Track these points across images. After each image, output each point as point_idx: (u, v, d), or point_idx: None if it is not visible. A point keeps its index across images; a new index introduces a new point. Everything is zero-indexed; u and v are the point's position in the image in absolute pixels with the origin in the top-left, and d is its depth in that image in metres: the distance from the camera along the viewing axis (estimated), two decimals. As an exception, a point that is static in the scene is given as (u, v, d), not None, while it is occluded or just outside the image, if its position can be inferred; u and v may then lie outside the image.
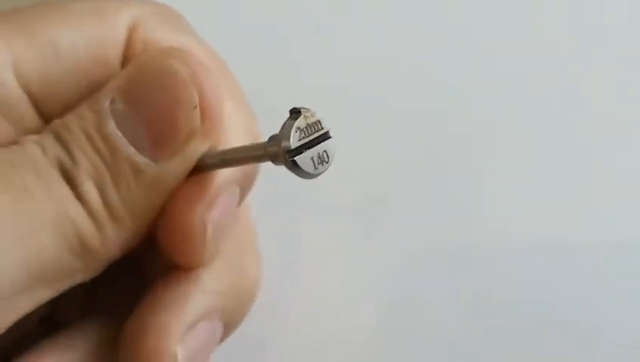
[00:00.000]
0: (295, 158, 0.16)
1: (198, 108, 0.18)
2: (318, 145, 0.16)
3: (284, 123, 0.16)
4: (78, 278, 0.18)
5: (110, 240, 0.18)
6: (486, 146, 0.29)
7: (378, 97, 0.29)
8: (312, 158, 0.16)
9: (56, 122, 0.18)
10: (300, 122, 0.16)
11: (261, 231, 0.23)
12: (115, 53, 0.19)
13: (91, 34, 0.19)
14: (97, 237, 0.17)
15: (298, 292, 0.28)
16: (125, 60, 0.19)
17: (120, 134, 0.17)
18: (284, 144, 0.16)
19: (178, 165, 0.18)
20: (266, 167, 0.18)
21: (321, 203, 0.28)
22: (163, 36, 0.20)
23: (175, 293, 0.19)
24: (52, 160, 0.17)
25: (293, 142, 0.16)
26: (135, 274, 0.21)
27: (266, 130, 0.18)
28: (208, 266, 0.20)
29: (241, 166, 0.19)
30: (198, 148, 0.18)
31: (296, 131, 0.16)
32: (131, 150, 0.17)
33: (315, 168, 0.16)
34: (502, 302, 0.28)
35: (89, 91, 0.19)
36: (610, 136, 0.29)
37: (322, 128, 0.16)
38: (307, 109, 0.16)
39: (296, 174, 0.16)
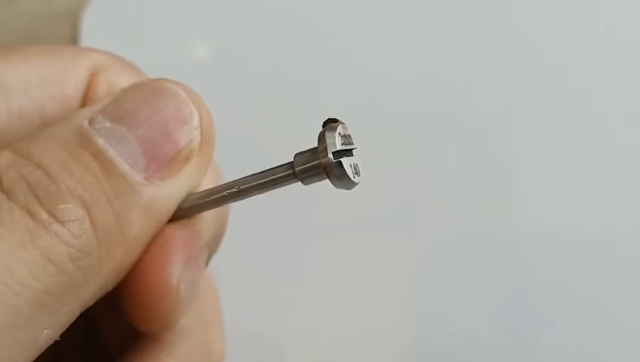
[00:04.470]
0: (341, 160, 0.15)
1: (199, 128, 0.17)
2: (352, 157, 0.16)
3: (324, 129, 0.15)
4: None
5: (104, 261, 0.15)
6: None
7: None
8: (350, 166, 0.16)
9: (18, 144, 0.16)
10: (340, 129, 0.16)
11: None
12: (72, 92, 0.19)
13: (46, 72, 0.18)
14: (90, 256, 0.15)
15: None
16: (85, 102, 0.19)
17: (112, 150, 0.16)
18: (329, 141, 0.15)
19: (174, 189, 0.16)
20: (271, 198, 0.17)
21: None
22: (127, 81, 0.19)
23: None
24: (18, 182, 0.15)
25: (338, 144, 0.15)
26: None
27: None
28: (172, 345, 0.19)
29: (228, 204, 0.17)
30: (193, 176, 0.17)
31: (339, 136, 0.15)
32: (127, 167, 0.16)
33: (354, 177, 0.16)
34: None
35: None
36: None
37: (352, 143, 0.16)
38: (342, 122, 0.16)
39: (338, 180, 0.15)
